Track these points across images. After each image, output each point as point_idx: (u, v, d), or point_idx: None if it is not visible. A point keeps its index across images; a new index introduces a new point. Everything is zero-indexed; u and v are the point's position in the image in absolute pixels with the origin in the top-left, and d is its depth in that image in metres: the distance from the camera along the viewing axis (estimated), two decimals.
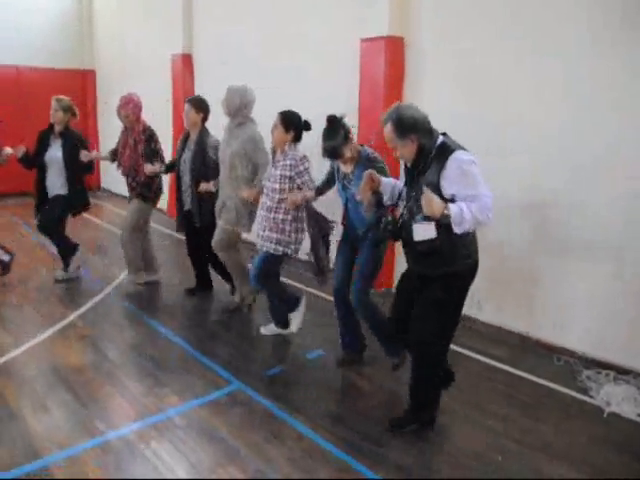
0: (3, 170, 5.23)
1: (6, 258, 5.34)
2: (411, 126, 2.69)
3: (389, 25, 4.79)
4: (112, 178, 8.98)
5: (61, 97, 5.15)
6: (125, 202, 5.52)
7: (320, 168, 3.99)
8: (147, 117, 5.12)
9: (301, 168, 3.83)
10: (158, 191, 5.18)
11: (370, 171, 2.98)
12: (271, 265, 4.02)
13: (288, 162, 3.83)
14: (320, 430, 3.05)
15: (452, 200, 2.63)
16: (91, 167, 5.35)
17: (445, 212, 2.56)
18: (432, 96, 4.70)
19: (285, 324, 4.26)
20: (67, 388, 3.46)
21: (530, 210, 4.18)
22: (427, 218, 2.67)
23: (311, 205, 3.91)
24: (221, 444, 2.92)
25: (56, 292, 5.19)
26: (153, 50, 8.63)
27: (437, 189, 2.65)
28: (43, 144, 5.20)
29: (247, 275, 4.55)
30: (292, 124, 3.81)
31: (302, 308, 4.21)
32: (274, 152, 3.98)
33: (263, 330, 4.35)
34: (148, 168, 4.81)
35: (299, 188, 3.84)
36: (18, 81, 9.94)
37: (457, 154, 2.65)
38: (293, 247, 3.96)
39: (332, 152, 3.42)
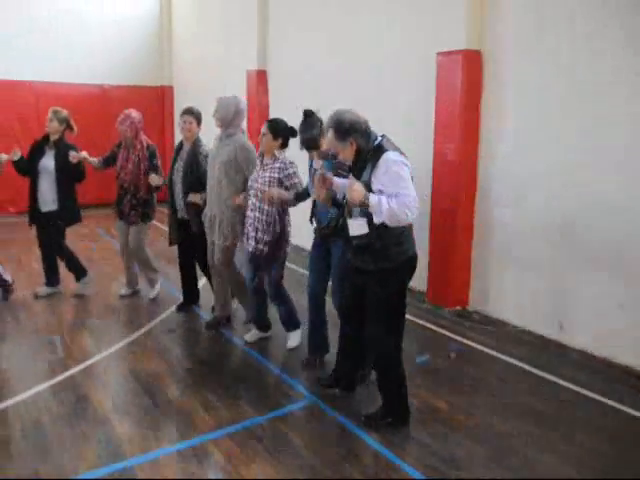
0: (88, 182, 5.43)
1: (9, 279, 5.37)
2: (348, 129, 2.90)
3: (466, 38, 4.71)
4: None
5: (58, 109, 5.21)
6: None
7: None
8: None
9: (290, 171, 3.97)
10: (155, 209, 5.33)
11: (321, 172, 3.17)
12: (279, 273, 4.14)
13: (277, 165, 3.97)
14: (396, 449, 2.99)
15: None
16: (82, 173, 5.24)
17: (364, 200, 2.80)
18: (513, 111, 4.58)
19: (266, 327, 4.45)
20: (146, 392, 3.58)
21: None
22: (361, 214, 2.92)
23: (286, 210, 4.05)
24: (296, 459, 2.90)
25: (135, 302, 5.40)
26: (229, 66, 8.92)
27: (368, 186, 2.87)
28: (37, 152, 5.23)
29: (245, 289, 4.50)
30: (280, 131, 3.94)
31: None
32: (262, 156, 4.06)
33: (247, 337, 4.41)
34: (154, 180, 4.91)
35: (287, 189, 3.95)
36: (103, 98, 10.54)
37: (388, 154, 2.86)
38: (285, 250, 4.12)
39: (310, 142, 3.59)
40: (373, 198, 2.80)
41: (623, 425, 3.31)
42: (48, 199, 5.20)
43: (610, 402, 3.53)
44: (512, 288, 4.79)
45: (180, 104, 11.12)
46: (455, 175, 4.95)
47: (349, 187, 2.84)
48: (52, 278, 5.50)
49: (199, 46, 10.23)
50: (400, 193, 2.79)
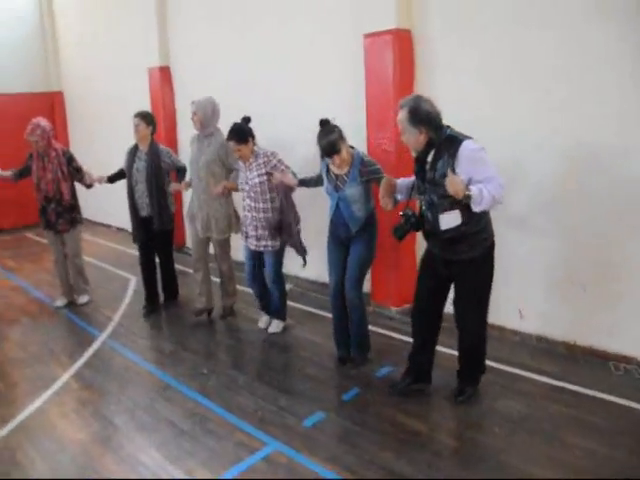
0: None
1: None
2: (424, 118, 2.91)
3: (396, 17, 4.31)
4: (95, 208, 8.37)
5: None
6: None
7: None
8: (126, 135, 4.90)
9: (274, 161, 4.12)
10: (81, 211, 5.38)
11: (387, 178, 3.26)
12: (279, 261, 4.35)
13: (261, 160, 4.12)
14: None
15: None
16: None
17: (467, 192, 2.77)
18: (446, 91, 4.24)
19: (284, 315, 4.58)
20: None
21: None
22: (451, 206, 2.94)
23: (290, 195, 4.15)
24: None
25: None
26: (127, 65, 8.03)
27: (444, 177, 2.84)
28: None
29: (235, 284, 4.90)
30: (247, 135, 4.09)
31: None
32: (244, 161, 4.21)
33: (271, 329, 4.54)
34: (174, 186, 4.94)
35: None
36: None
37: (466, 143, 2.87)
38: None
39: (331, 147, 3.51)
40: (474, 189, 2.79)
41: None
42: None
43: None
44: None
45: (74, 110, 10.10)
46: (392, 167, 4.56)
47: (451, 182, 2.79)
48: None
49: (88, 46, 9.19)
50: (491, 177, 2.82)
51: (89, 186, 5.29)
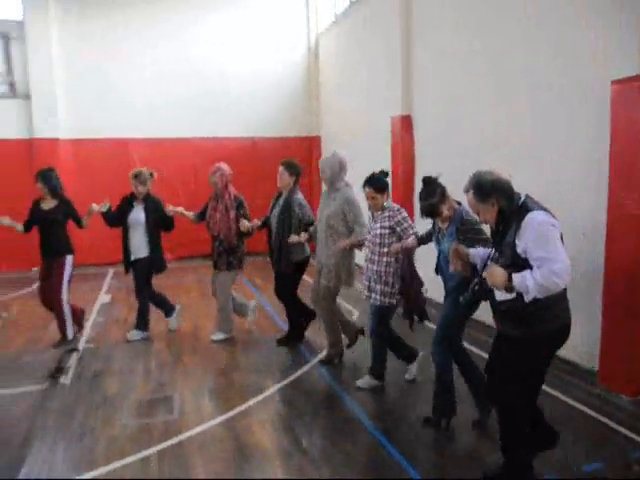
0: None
1: (70, 334, 5.52)
2: (490, 190, 2.80)
3: None
4: None
5: (139, 172, 5.53)
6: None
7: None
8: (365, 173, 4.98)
9: (399, 217, 4.14)
10: (243, 257, 5.56)
11: (455, 246, 3.13)
12: (382, 317, 4.24)
13: (387, 214, 4.17)
14: None
15: (526, 261, 2.66)
16: (172, 224, 5.69)
17: (508, 284, 2.64)
18: None
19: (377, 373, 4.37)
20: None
21: None
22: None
23: (411, 257, 4.12)
24: None
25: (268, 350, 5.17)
26: (373, 113, 8.67)
27: (513, 248, 2.70)
28: (127, 206, 5.59)
29: (340, 335, 4.91)
30: (385, 186, 4.18)
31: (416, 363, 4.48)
32: (372, 212, 4.30)
33: (361, 382, 4.38)
34: (244, 225, 5.23)
35: (400, 237, 4.10)
36: (253, 151, 10.97)
37: (533, 214, 2.68)
38: (398, 297, 4.17)
39: (430, 211, 3.56)
40: (516, 279, 2.63)
41: None
42: (138, 248, 5.55)
43: None
44: None
45: (327, 153, 11.18)
46: (637, 232, 3.98)
47: (490, 273, 2.71)
48: (142, 323, 5.78)
49: (343, 95, 10.21)
50: (547, 259, 2.58)
51: (245, 233, 5.40)
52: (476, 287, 3.00)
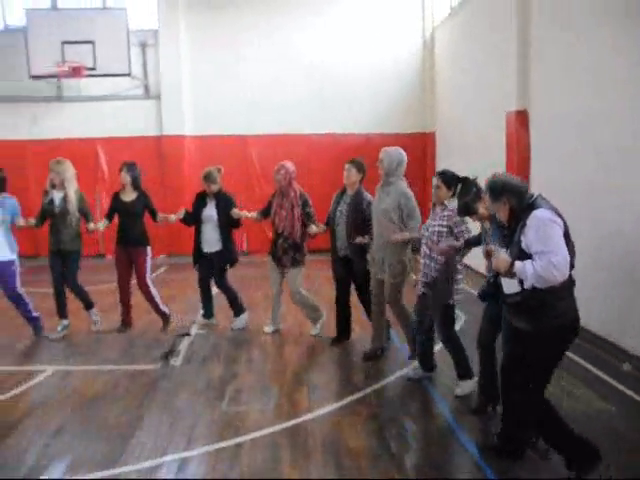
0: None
1: (166, 310, 6.00)
2: (500, 190, 2.99)
3: None
4: None
5: (208, 172, 5.75)
6: None
7: None
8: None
9: (458, 219, 4.10)
10: (305, 253, 5.61)
11: (487, 248, 3.12)
12: (443, 317, 4.19)
13: (446, 213, 4.17)
14: None
15: (531, 256, 2.80)
16: (239, 222, 5.87)
17: (510, 269, 2.81)
18: None
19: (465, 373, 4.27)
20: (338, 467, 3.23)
21: None
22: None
23: (453, 261, 4.07)
24: None
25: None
26: (487, 108, 8.30)
27: (519, 245, 2.88)
28: (200, 203, 5.84)
29: (410, 324, 4.74)
30: (452, 183, 4.14)
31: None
32: (434, 206, 4.30)
33: (459, 391, 4.24)
34: (313, 229, 5.37)
35: (456, 238, 4.09)
36: (368, 147, 10.94)
37: (538, 211, 2.83)
38: (453, 296, 4.14)
39: (464, 208, 3.76)
40: (517, 265, 2.80)
41: None
42: (211, 243, 5.80)
43: None
44: None
45: (441, 149, 10.91)
46: None
47: (495, 257, 2.90)
48: (209, 311, 6.09)
49: (458, 89, 9.86)
50: (546, 252, 2.73)
51: (313, 235, 5.52)
52: (491, 280, 3.25)
